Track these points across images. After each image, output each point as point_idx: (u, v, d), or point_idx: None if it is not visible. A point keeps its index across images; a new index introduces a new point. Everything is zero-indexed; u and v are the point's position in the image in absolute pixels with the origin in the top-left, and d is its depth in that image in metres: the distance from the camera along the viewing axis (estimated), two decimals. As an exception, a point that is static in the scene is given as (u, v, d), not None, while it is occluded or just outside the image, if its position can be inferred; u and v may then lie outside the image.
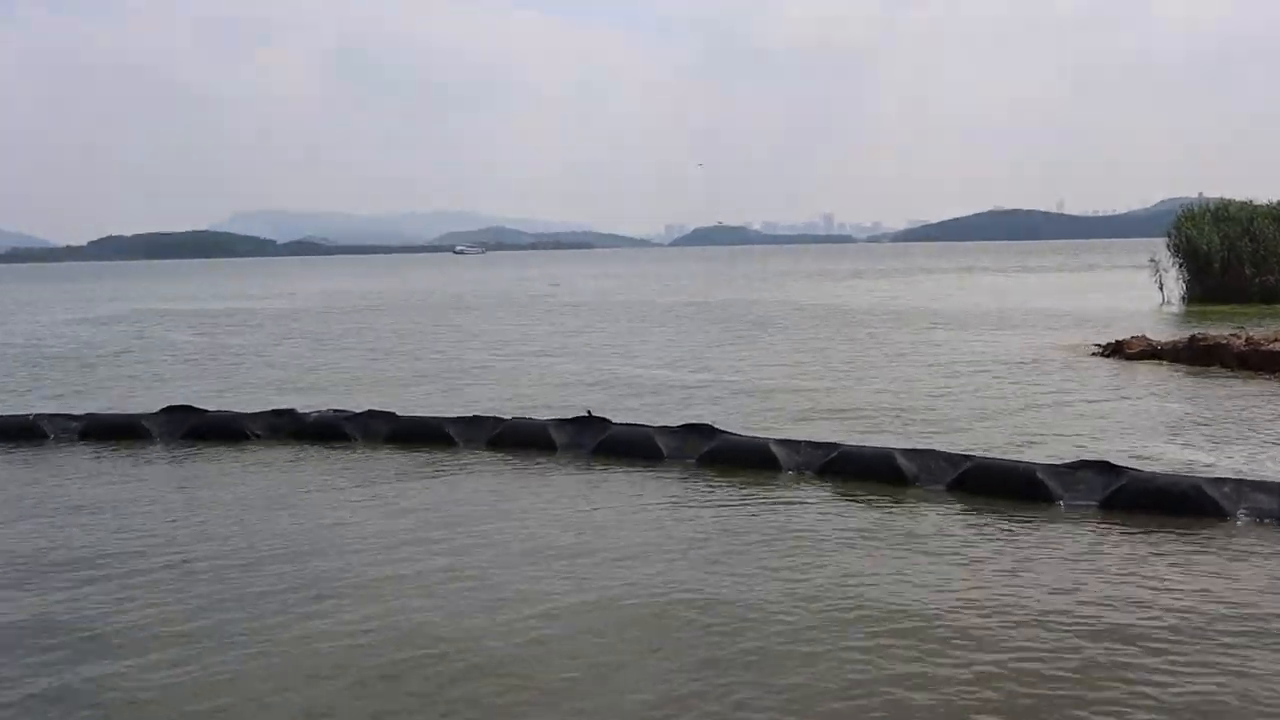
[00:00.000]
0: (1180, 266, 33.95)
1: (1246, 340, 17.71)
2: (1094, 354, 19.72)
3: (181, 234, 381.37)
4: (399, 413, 13.22)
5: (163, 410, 13.64)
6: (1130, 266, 50.05)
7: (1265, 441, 11.60)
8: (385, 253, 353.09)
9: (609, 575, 7.53)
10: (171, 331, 32.86)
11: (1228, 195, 35.78)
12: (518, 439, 12.16)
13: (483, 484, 10.54)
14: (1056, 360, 19.19)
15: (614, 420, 12.26)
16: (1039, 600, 6.81)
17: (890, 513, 9.11)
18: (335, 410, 13.49)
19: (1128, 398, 14.88)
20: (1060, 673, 5.71)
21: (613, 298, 47.34)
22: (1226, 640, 6.09)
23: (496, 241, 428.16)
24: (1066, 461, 9.82)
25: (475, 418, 12.81)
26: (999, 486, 9.51)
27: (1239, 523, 8.47)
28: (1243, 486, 8.85)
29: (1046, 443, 11.70)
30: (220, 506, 9.79)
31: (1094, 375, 17.20)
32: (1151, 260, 34.33)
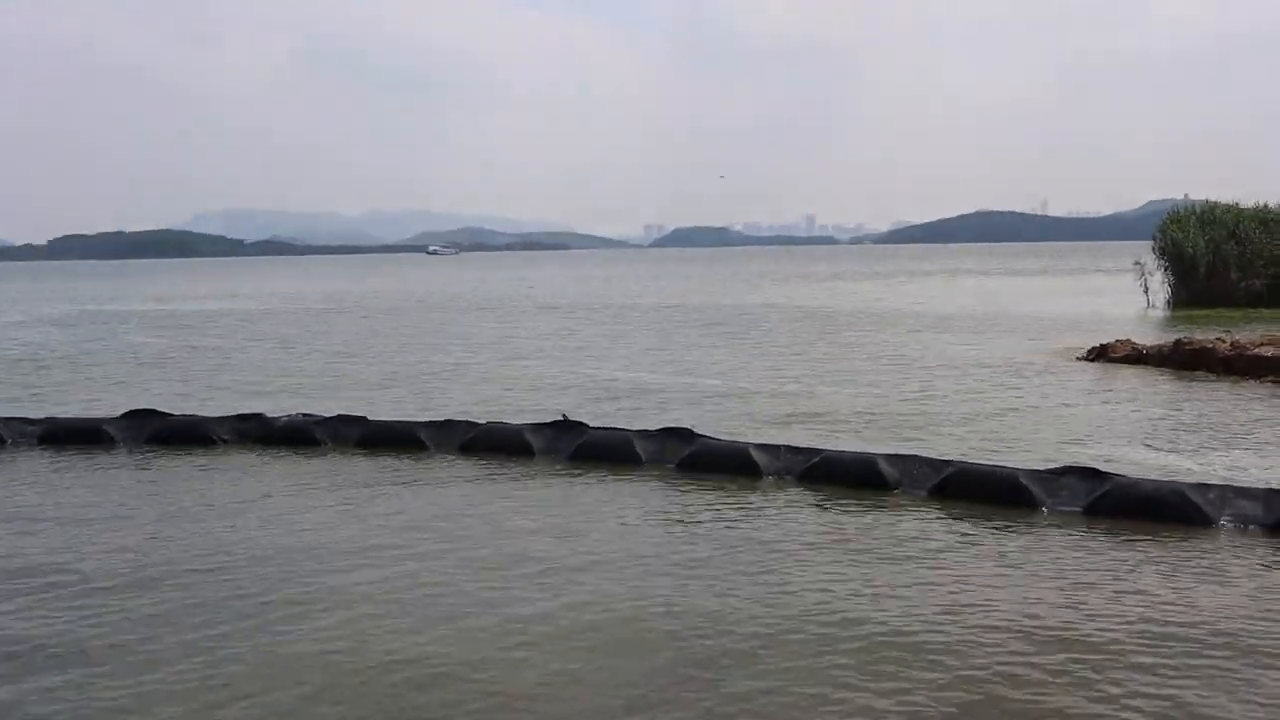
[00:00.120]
0: (1166, 270, 33.89)
1: (1232, 345, 17.62)
2: (1078, 358, 19.58)
3: (146, 233, 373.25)
4: (370, 417, 12.94)
5: (125, 414, 13.23)
6: (1115, 270, 50.15)
7: (1249, 447, 11.50)
8: (357, 253, 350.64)
9: (580, 583, 7.35)
10: (134, 333, 32.26)
11: (1214, 197, 35.81)
12: (492, 444, 11.92)
13: (454, 490, 10.30)
14: (1040, 364, 19.06)
15: (591, 424, 12.03)
16: (1019, 610, 6.66)
17: (872, 519, 8.91)
18: (304, 414, 13.18)
19: (1112, 402, 14.75)
20: (1038, 685, 5.59)
21: (588, 299, 47.03)
22: (1209, 653, 5.98)
23: (473, 242, 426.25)
24: (1050, 467, 9.67)
25: (448, 422, 12.56)
26: (982, 492, 9.37)
27: (1223, 529, 8.38)
28: (1227, 492, 8.77)
29: (1030, 448, 11.55)
30: (184, 514, 9.52)
31: (1078, 380, 17.06)
32: (1136, 263, 34.31)
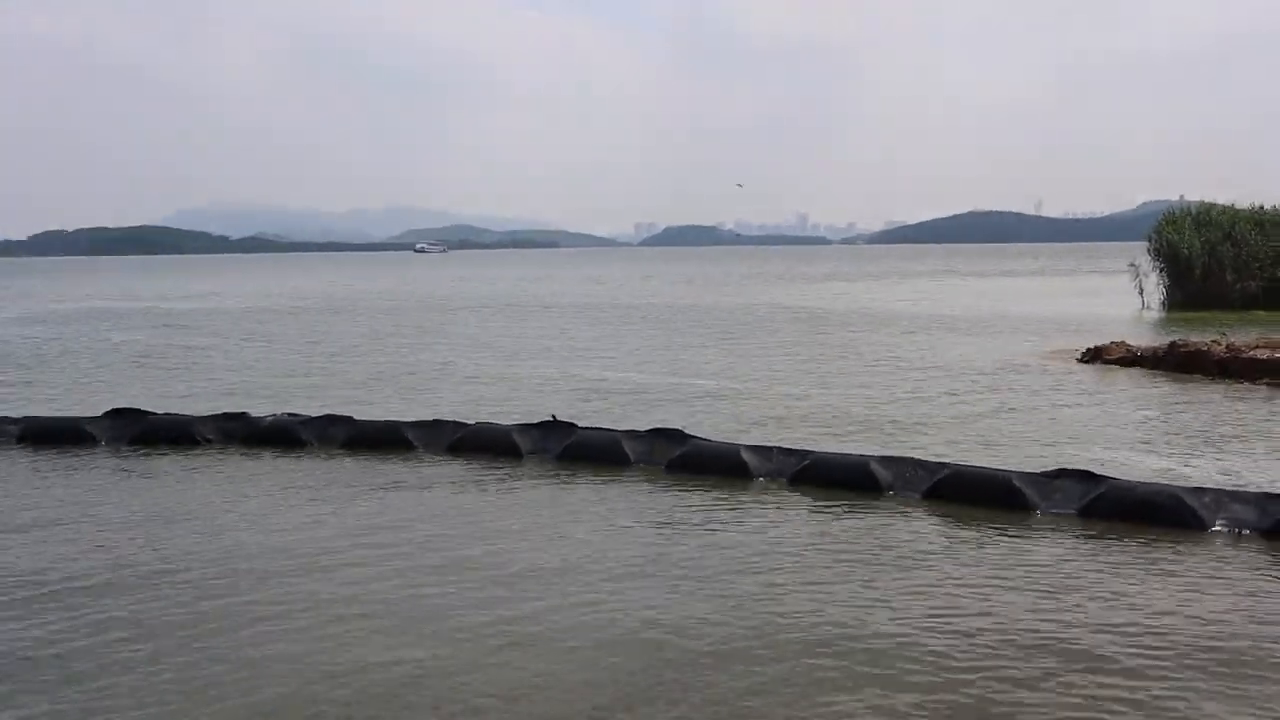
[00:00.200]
0: (1161, 271, 33.81)
1: (1227, 347, 17.53)
2: (1073, 360, 19.45)
3: (127, 229, 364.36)
4: (356, 417, 12.77)
5: (108, 413, 13.03)
6: (1111, 271, 50.09)
7: (1244, 450, 11.41)
8: (343, 250, 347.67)
9: (565, 585, 7.23)
10: (116, 330, 31.98)
11: (1212, 198, 35.75)
12: (480, 444, 11.76)
13: (440, 491, 10.15)
14: (1035, 366, 18.95)
15: (580, 424, 11.88)
16: (1010, 614, 6.56)
17: (864, 522, 8.78)
18: (290, 414, 13.00)
19: (1107, 405, 14.64)
20: (1027, 690, 5.50)
21: (574, 301, 46.80)
22: (1201, 658, 5.90)
23: (461, 240, 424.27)
24: (1045, 469, 9.54)
25: (436, 422, 12.40)
26: (976, 495, 9.26)
27: (1217, 534, 8.30)
28: (1222, 496, 8.69)
29: (1024, 450, 11.43)
30: (164, 515, 9.36)
31: (1073, 382, 16.94)
32: (1131, 265, 34.25)
